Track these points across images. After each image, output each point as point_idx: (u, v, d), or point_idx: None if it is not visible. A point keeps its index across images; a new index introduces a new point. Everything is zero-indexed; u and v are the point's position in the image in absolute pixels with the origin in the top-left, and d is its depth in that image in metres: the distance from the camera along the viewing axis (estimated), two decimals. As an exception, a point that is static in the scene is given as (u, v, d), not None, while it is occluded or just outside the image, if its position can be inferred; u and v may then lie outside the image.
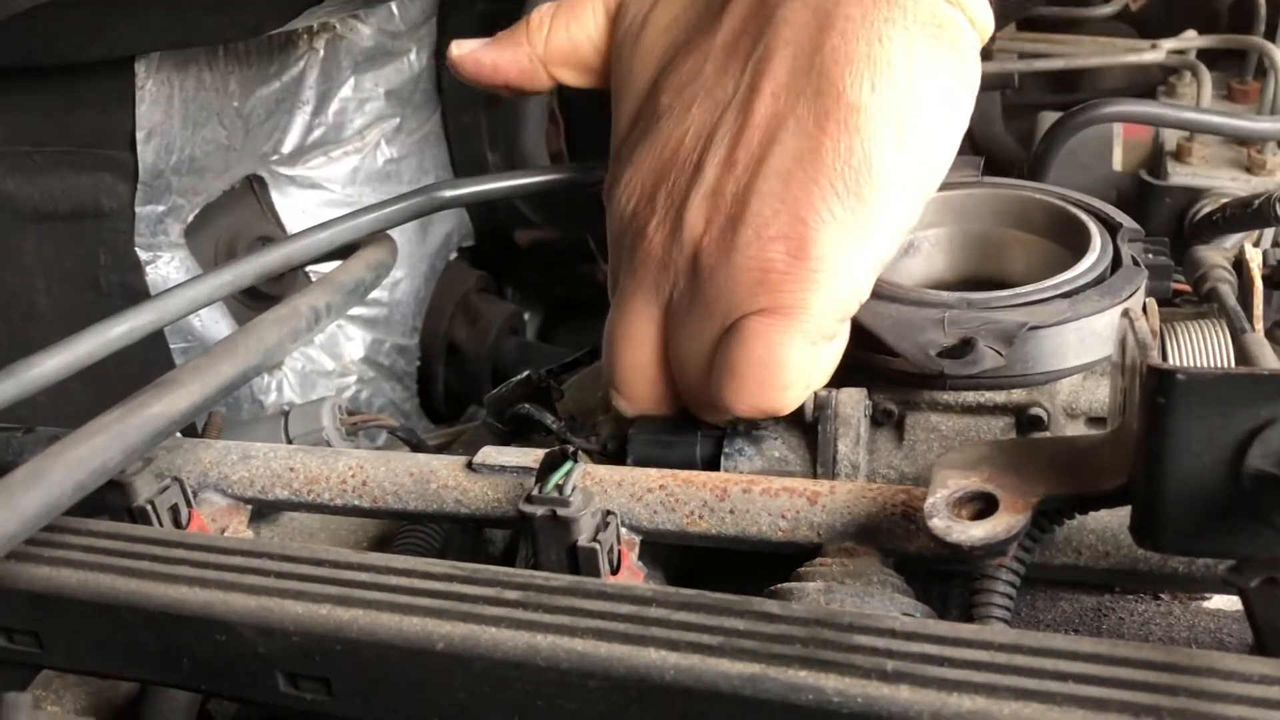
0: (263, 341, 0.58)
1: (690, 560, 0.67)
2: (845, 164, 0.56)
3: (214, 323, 0.97)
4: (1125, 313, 0.51)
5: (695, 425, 0.67)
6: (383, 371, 1.20)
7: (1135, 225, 0.72)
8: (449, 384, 1.34)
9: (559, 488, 0.55)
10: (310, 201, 1.08)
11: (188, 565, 0.51)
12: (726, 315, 0.59)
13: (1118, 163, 1.21)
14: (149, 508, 0.60)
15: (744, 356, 0.59)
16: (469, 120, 1.28)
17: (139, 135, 0.86)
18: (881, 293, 0.66)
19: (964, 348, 0.61)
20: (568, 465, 0.55)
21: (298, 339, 0.60)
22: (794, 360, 0.59)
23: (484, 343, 1.33)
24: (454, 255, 1.34)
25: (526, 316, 1.45)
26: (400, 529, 0.76)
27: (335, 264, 0.74)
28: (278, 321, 0.60)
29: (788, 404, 0.61)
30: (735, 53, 0.61)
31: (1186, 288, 0.83)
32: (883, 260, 0.60)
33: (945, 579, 0.61)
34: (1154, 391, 0.43)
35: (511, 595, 0.47)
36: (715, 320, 0.60)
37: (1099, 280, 0.67)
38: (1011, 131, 1.45)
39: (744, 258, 0.58)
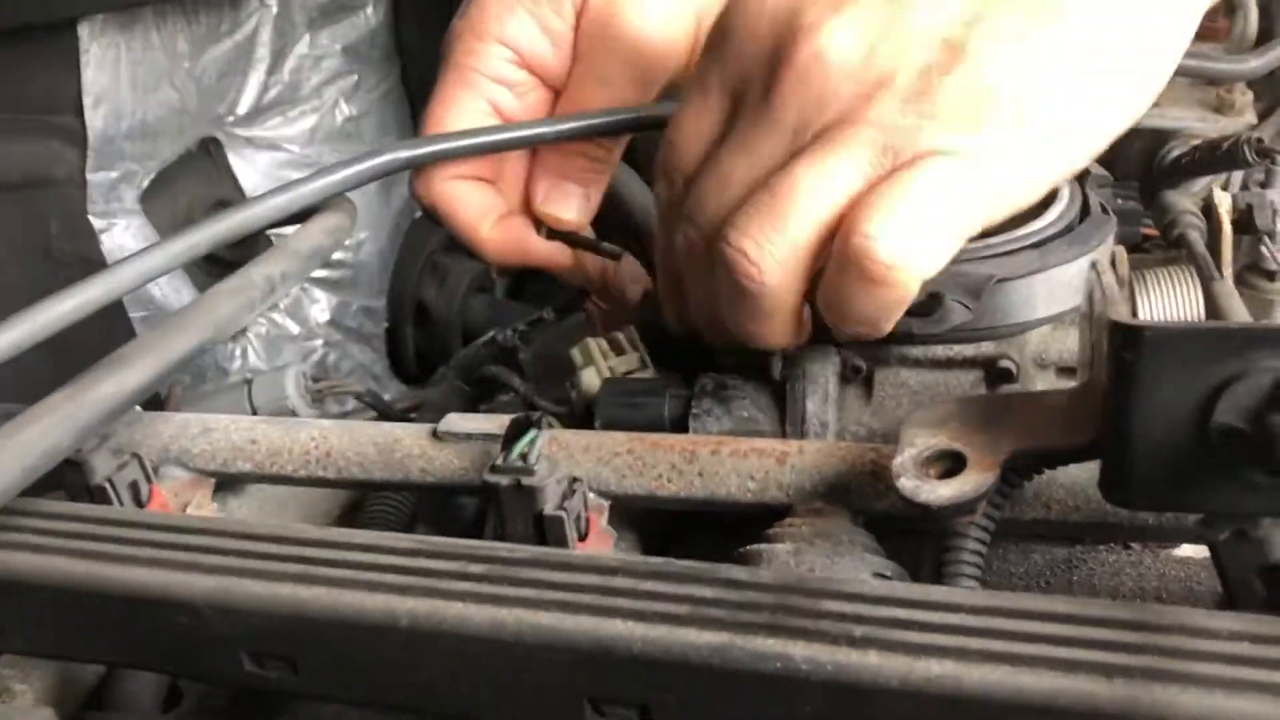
0: (215, 314, 0.57)
1: (662, 522, 0.67)
2: (1084, 41, 0.53)
3: (174, 291, 0.95)
4: (1093, 265, 0.50)
5: (663, 386, 0.66)
6: (350, 334, 1.18)
7: (1103, 171, 0.72)
8: (418, 344, 1.32)
9: (523, 456, 0.54)
10: (268, 163, 1.06)
11: (147, 546, 0.50)
12: (896, 146, 0.53)
13: (1086, 105, 1.20)
14: (108, 485, 0.59)
15: (925, 194, 0.52)
16: (431, 77, 1.26)
17: (86, 101, 0.84)
18: (848, 247, 0.65)
19: (931, 303, 0.60)
20: (531, 434, 0.55)
21: (253, 309, 0.59)
22: (970, 216, 0.53)
23: (452, 302, 1.32)
24: (419, 214, 1.32)
25: (495, 274, 1.44)
26: (371, 497, 0.75)
27: (294, 228, 0.72)
28: (231, 293, 0.59)
29: (922, 273, 0.53)
30: None
31: (1155, 233, 0.83)
32: (1075, 165, 0.56)
33: (916, 537, 0.61)
34: (1120, 347, 0.43)
35: (476, 569, 0.46)
36: (880, 150, 0.53)
37: (1068, 229, 0.66)
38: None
39: (953, 95, 0.52)
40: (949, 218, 0.53)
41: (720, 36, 0.60)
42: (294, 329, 1.10)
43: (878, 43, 0.53)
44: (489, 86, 0.80)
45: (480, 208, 0.80)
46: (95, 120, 0.85)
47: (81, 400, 0.49)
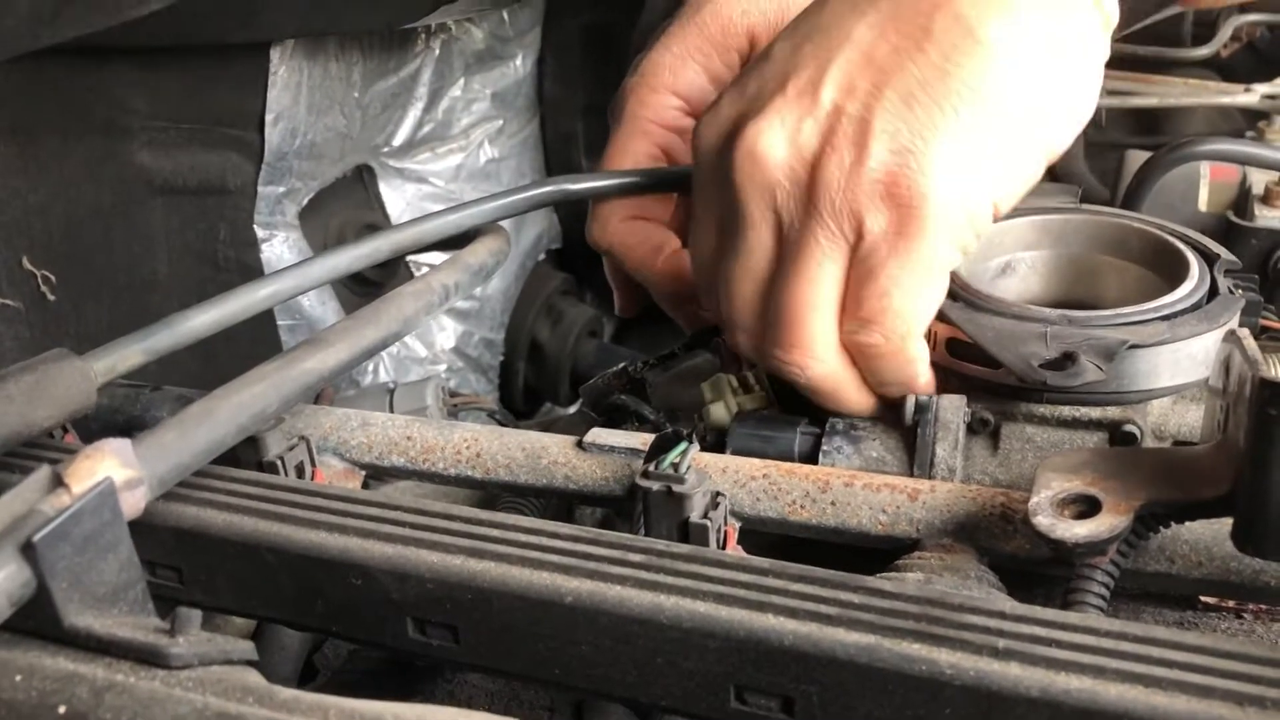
0: (402, 310, 0.62)
1: (782, 558, 0.69)
2: (972, 91, 0.59)
3: (321, 304, 1.01)
4: (1231, 333, 0.53)
5: (795, 422, 0.70)
6: (470, 363, 1.23)
7: (1232, 257, 0.74)
8: (528, 380, 1.37)
9: (675, 465, 0.57)
10: (415, 194, 1.12)
11: (327, 513, 0.54)
12: (845, 229, 0.61)
13: (1203, 203, 1.22)
14: (279, 463, 0.64)
15: (872, 288, 0.62)
16: (567, 128, 1.32)
17: (268, 118, 0.91)
18: (983, 306, 0.68)
19: (1066, 361, 0.63)
20: (683, 445, 0.58)
21: (431, 311, 0.63)
22: (919, 286, 0.62)
23: (564, 343, 1.37)
24: (542, 256, 1.38)
25: (604, 320, 1.49)
26: (500, 502, 0.79)
27: (440, 256, 0.77)
28: (415, 294, 0.64)
29: (913, 338, 0.64)
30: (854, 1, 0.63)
31: (1275, 325, 0.85)
32: (995, 200, 0.62)
33: (1032, 584, 0.63)
34: (1266, 402, 0.45)
35: (635, 558, 0.49)
36: (835, 237, 0.62)
37: (1195, 306, 0.68)
38: (1094, 170, 1.46)
39: (871, 171, 0.60)
40: (919, 286, 0.62)
41: (693, 155, 0.70)
42: (422, 352, 1.16)
43: (799, 131, 0.62)
44: (661, 134, 0.86)
45: (652, 244, 0.85)
46: (273, 137, 0.91)
47: (288, 372, 0.54)
